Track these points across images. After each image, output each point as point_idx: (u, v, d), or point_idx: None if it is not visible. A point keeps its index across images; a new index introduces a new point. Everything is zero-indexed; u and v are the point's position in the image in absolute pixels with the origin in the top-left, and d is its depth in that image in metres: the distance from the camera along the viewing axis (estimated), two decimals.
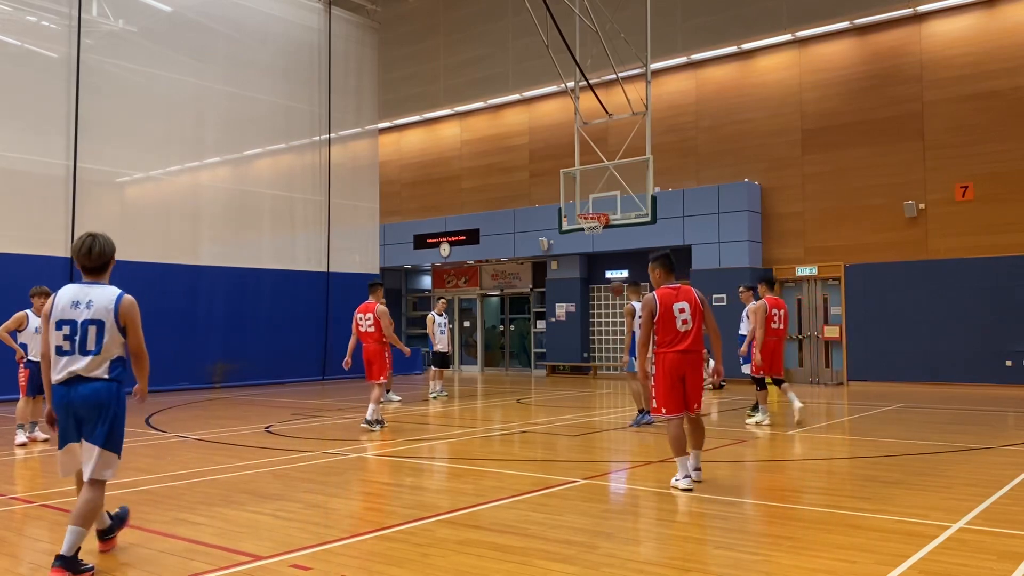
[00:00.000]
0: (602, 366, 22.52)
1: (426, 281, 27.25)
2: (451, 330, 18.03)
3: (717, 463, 8.28)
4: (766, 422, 10.83)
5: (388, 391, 14.24)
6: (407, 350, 12.66)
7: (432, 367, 16.01)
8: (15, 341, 9.85)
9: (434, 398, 15.28)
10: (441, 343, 15.86)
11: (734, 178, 19.93)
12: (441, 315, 16.17)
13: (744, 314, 12.32)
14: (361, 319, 11.06)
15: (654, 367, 6.90)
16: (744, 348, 11.47)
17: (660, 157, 17.96)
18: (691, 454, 6.86)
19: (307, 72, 21.37)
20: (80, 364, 4.54)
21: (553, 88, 22.85)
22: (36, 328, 9.94)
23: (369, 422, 10.64)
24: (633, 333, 10.82)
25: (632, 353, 10.89)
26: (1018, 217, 16.80)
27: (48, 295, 10.15)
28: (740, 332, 12.70)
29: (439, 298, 17.17)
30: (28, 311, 9.94)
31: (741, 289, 12.44)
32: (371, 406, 10.71)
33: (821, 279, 19.17)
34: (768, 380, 11.18)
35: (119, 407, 4.62)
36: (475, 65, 24.66)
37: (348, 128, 22.54)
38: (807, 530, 5.34)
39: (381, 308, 11.09)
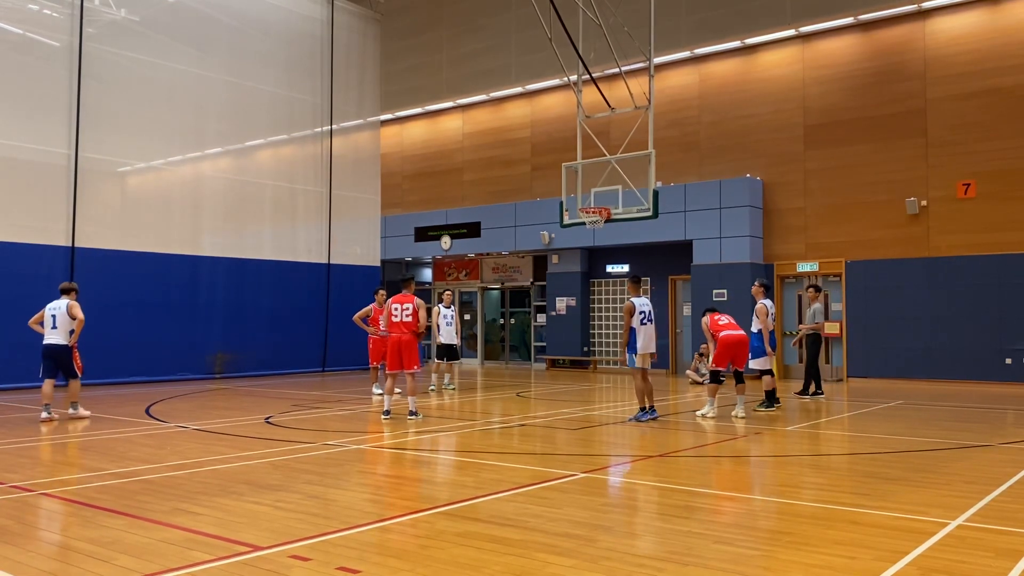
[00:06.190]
0: (602, 360, 22.53)
1: (427, 274, 27.24)
2: (458, 322, 18.03)
3: (717, 458, 8.30)
4: (711, 414, 11.30)
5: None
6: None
7: (435, 360, 16.01)
8: None
9: (450, 389, 15.72)
10: (446, 335, 15.84)
11: (736, 173, 19.91)
12: (449, 307, 16.15)
13: (755, 313, 12.39)
14: (397, 309, 11.31)
15: None
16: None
17: (662, 152, 17.93)
18: None
19: (309, 63, 21.32)
20: None
21: (555, 81, 22.78)
22: None
23: (413, 412, 11.06)
24: (632, 330, 10.86)
25: (630, 349, 10.93)
26: (1020, 215, 16.77)
27: None
28: (751, 330, 12.53)
29: (445, 290, 17.16)
30: None
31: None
32: (411, 399, 11.19)
33: (822, 275, 19.16)
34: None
35: None
36: (478, 58, 24.60)
37: (350, 119, 22.50)
38: (806, 526, 5.35)
39: (419, 300, 11.47)
